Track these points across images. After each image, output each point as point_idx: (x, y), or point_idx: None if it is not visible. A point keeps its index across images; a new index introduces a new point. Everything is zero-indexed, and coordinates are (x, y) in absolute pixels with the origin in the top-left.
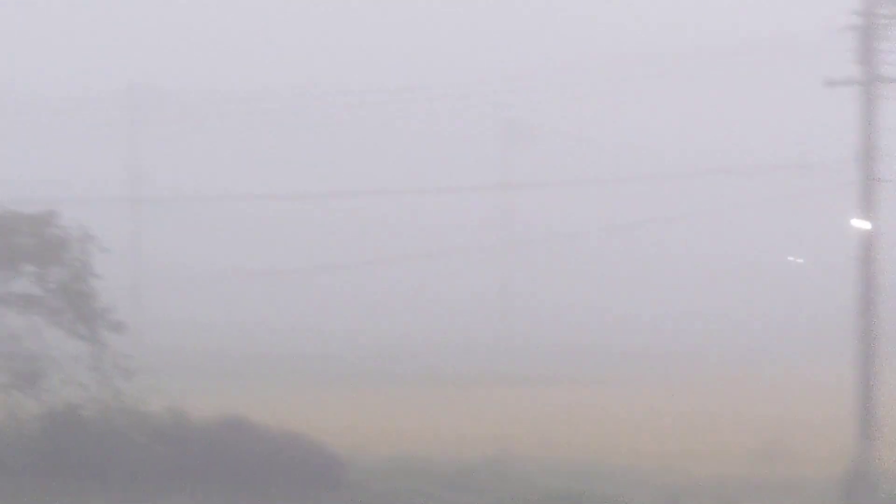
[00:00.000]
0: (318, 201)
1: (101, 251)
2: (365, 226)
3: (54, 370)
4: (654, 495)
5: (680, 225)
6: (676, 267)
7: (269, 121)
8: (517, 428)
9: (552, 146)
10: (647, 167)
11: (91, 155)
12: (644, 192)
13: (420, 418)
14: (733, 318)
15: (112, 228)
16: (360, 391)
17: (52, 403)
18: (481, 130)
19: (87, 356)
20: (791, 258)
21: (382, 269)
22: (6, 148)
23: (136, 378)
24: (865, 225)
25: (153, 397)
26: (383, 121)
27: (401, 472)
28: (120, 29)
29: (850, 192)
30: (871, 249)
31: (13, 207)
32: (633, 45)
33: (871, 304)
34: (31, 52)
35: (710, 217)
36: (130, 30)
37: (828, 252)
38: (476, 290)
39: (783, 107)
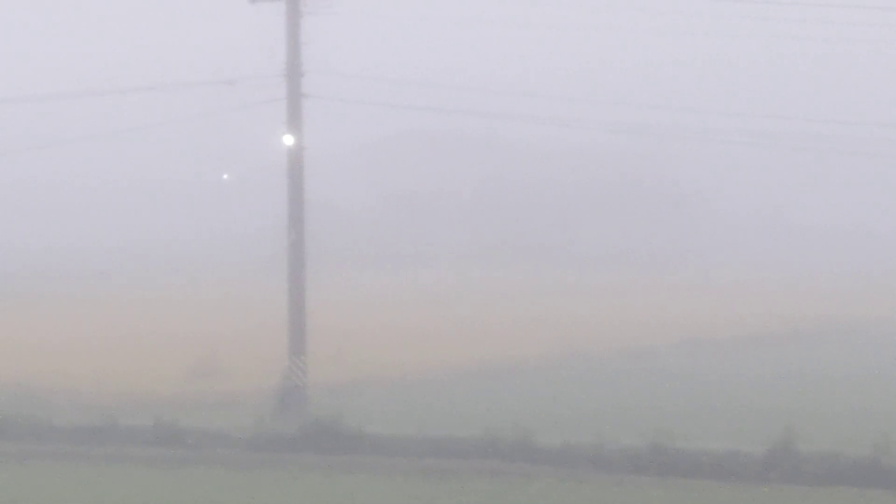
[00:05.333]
0: None
1: None
2: None
3: None
4: (91, 415)
5: (109, 144)
6: (106, 189)
7: None
8: None
9: None
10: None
11: None
12: (68, 109)
13: None
14: (171, 238)
15: None
16: None
17: None
18: None
19: None
20: (226, 176)
21: None
22: None
23: None
24: (292, 140)
25: None
26: None
27: None
28: None
29: (278, 108)
30: (298, 164)
31: None
32: None
33: (298, 219)
34: None
35: (138, 136)
36: None
37: (258, 168)
38: None
39: (207, 22)
